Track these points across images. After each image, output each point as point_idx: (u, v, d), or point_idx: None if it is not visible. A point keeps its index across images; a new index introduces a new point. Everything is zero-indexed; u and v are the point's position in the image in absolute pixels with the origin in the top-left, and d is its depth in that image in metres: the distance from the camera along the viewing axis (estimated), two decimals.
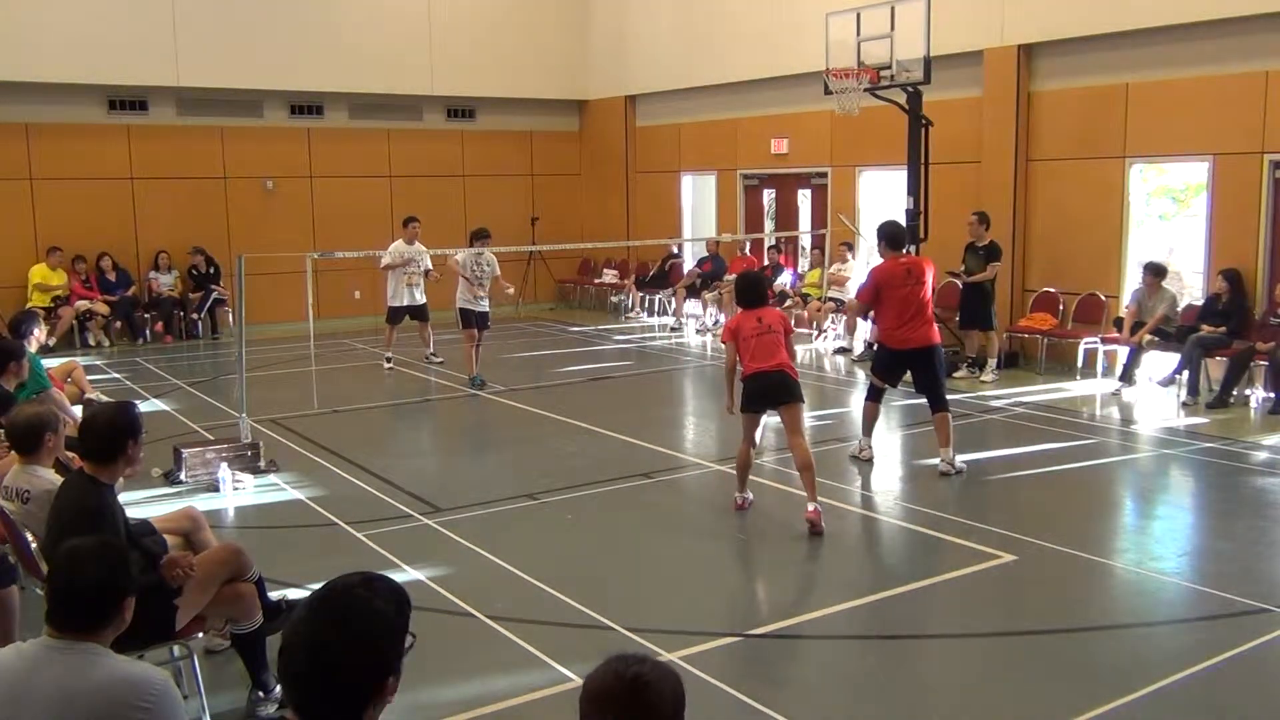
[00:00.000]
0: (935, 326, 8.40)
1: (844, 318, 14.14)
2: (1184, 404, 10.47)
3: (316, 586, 2.23)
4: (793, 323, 7.56)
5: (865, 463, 8.56)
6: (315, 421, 10.23)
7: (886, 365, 8.59)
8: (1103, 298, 12.14)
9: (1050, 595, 5.96)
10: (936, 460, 8.26)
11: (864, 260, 14.98)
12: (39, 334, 9.20)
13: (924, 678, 5.05)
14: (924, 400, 10.50)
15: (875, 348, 7.88)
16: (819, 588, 6.32)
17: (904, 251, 8.62)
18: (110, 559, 2.95)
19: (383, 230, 17.47)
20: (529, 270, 19.02)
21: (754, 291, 7.40)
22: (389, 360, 13.18)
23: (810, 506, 6.88)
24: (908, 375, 8.61)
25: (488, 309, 12.12)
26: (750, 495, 7.47)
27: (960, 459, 8.25)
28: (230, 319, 16.04)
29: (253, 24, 16.05)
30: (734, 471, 7.50)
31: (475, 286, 11.89)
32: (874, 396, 8.66)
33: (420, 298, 13.12)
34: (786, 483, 8.09)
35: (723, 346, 7.53)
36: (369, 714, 2.14)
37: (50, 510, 4.37)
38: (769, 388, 7.06)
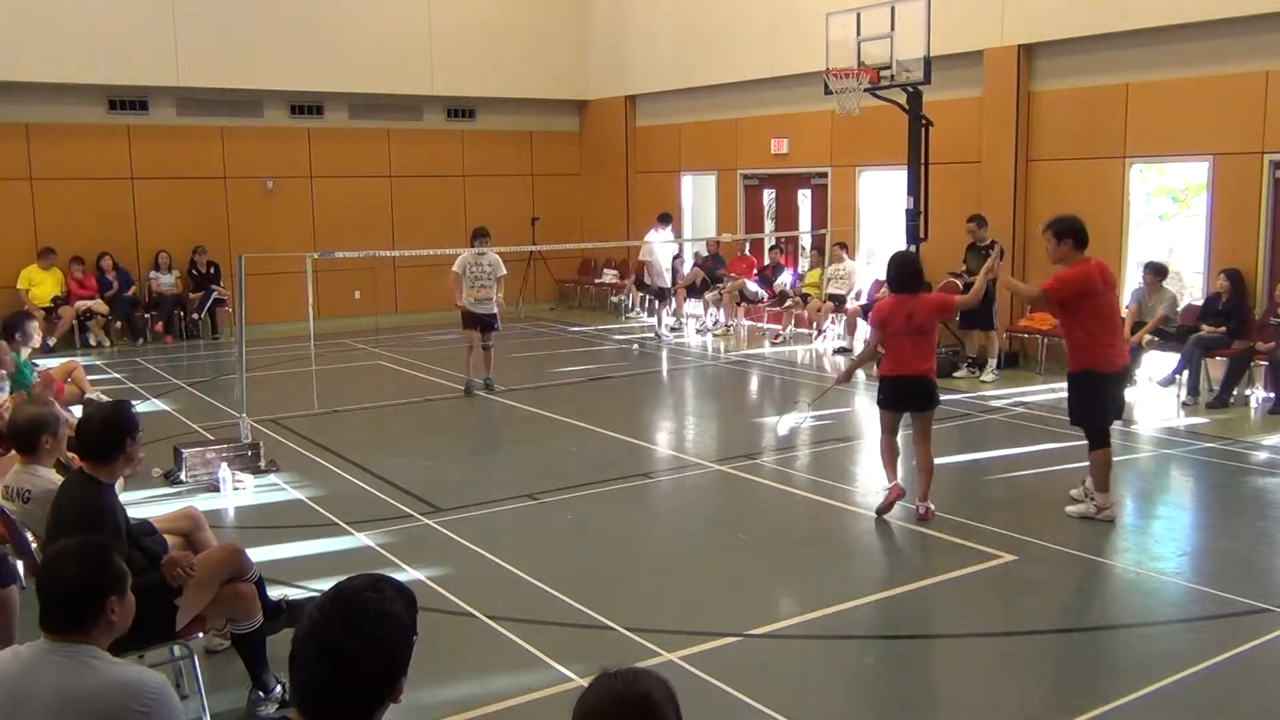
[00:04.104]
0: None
1: (844, 317, 14.15)
2: (1184, 404, 10.46)
3: (317, 587, 2.24)
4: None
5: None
6: (315, 421, 10.23)
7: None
8: None
9: (1050, 595, 5.96)
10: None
11: (863, 259, 15.00)
12: (30, 332, 9.04)
13: (924, 678, 5.05)
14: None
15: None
16: (819, 588, 6.32)
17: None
18: (90, 557, 2.91)
19: (383, 230, 17.53)
20: (529, 270, 19.02)
21: (910, 273, 6.86)
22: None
23: (921, 507, 6.94)
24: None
25: (493, 311, 11.60)
26: (898, 481, 7.08)
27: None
28: (230, 319, 16.04)
29: (253, 24, 16.05)
30: (734, 472, 7.49)
31: (476, 289, 11.46)
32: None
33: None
34: (786, 483, 8.10)
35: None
36: (378, 716, 2.14)
37: (50, 510, 4.37)
38: (910, 393, 6.88)
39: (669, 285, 15.99)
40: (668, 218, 16.11)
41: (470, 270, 11.51)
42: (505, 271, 11.81)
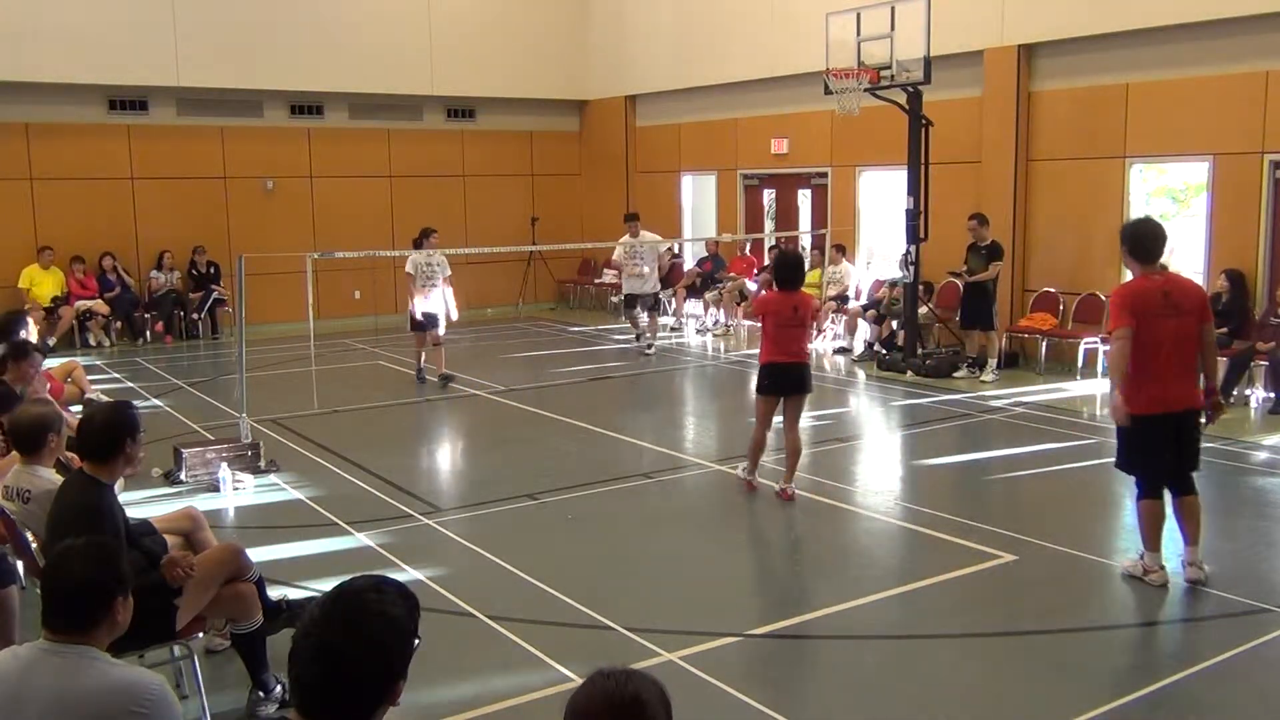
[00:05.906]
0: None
1: (844, 318, 14.15)
2: None
3: (317, 587, 2.24)
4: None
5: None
6: (315, 421, 10.23)
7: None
8: (1103, 298, 12.12)
9: (1050, 595, 5.95)
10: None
11: (863, 260, 15.00)
12: (26, 334, 9.01)
13: (924, 678, 5.05)
14: (925, 400, 10.49)
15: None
16: (819, 587, 6.32)
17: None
18: (98, 558, 2.92)
19: (382, 230, 17.53)
20: (529, 270, 19.02)
21: (797, 273, 7.64)
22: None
23: (783, 486, 7.52)
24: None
25: (434, 310, 11.86)
26: (756, 477, 7.79)
27: None
28: (230, 319, 16.04)
29: (253, 24, 16.05)
30: (733, 471, 7.49)
31: (426, 288, 11.82)
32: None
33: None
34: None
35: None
36: (378, 717, 2.14)
37: (50, 510, 4.37)
38: (792, 378, 7.52)
39: (645, 292, 14.26)
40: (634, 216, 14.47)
41: (422, 270, 11.85)
42: (450, 272, 12.12)
